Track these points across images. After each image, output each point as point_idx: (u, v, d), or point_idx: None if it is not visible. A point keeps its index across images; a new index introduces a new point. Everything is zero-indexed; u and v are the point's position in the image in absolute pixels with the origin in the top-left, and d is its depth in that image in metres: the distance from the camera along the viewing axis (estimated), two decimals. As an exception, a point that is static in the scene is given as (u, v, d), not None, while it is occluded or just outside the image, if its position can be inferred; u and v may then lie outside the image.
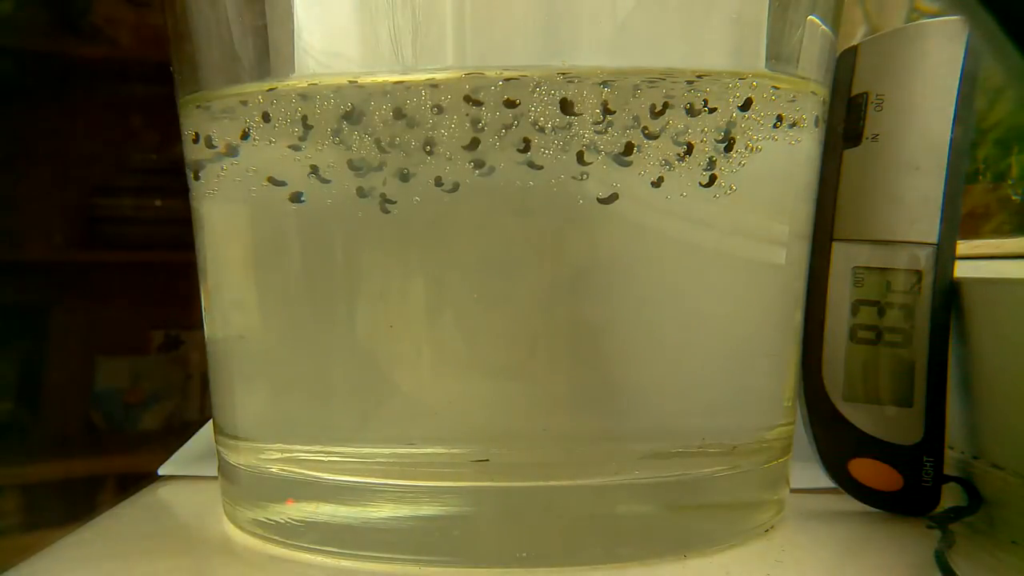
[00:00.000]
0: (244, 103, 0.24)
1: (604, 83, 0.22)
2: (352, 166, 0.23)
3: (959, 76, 0.27)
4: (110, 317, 1.10)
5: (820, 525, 0.27)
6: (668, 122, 0.23)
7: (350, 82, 0.23)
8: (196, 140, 0.26)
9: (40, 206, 1.07)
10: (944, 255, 0.27)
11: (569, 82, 0.22)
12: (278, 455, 0.25)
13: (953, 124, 0.27)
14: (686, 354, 0.25)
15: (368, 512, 0.24)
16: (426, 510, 0.24)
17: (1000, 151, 0.41)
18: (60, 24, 1.09)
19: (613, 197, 0.23)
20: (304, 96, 0.23)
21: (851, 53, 0.28)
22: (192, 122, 0.26)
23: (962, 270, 0.28)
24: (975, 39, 0.26)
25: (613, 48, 0.24)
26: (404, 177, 0.23)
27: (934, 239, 0.27)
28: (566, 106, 0.22)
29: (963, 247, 0.28)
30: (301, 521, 0.25)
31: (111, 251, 1.08)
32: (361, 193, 0.23)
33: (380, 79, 0.23)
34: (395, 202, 0.23)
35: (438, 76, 0.22)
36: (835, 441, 0.28)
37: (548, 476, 0.24)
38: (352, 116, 0.23)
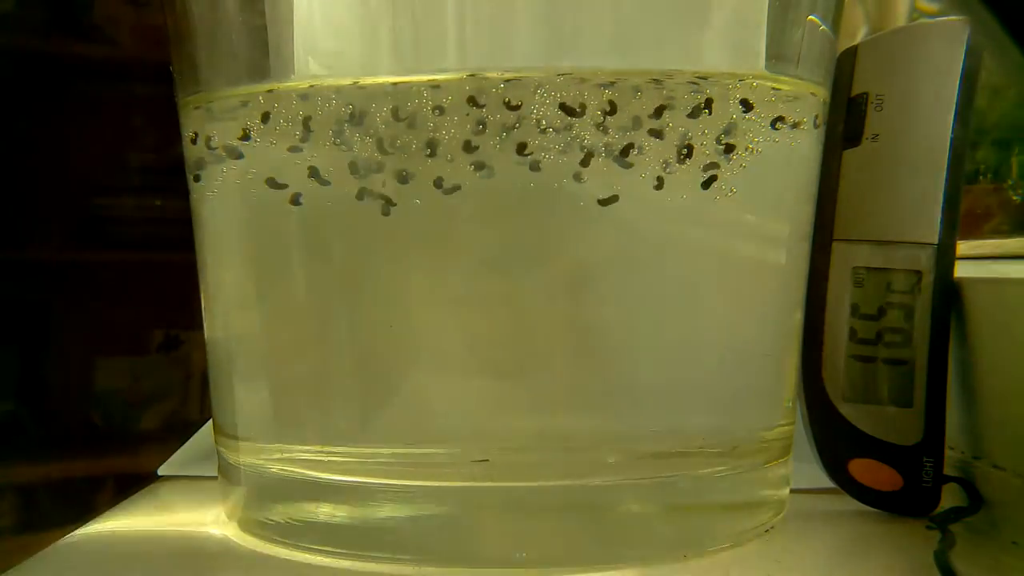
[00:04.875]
0: (244, 104, 0.24)
1: (605, 84, 0.22)
2: (352, 168, 0.23)
3: (959, 76, 0.27)
4: (110, 317, 1.10)
5: (820, 525, 0.27)
6: (668, 124, 0.23)
7: (351, 83, 0.23)
8: (196, 141, 0.26)
9: (40, 206, 1.07)
10: (944, 255, 0.27)
11: (570, 83, 0.22)
12: (278, 455, 0.25)
13: (953, 124, 0.27)
14: (686, 354, 0.25)
15: (368, 512, 0.24)
16: (426, 510, 0.24)
17: (1000, 151, 0.41)
18: (60, 24, 1.09)
19: (613, 199, 0.23)
20: (304, 97, 0.23)
21: (851, 53, 0.28)
22: (192, 123, 0.26)
23: (962, 270, 0.27)
24: (976, 39, 0.26)
25: (613, 49, 0.24)
26: (404, 179, 0.23)
27: (934, 239, 0.27)
28: (567, 108, 0.22)
29: (963, 247, 0.28)
30: (301, 521, 0.25)
31: (111, 251, 1.08)
32: (361, 195, 0.23)
33: (381, 80, 0.23)
34: (395, 204, 0.23)
35: (439, 77, 0.22)
36: (835, 441, 0.28)
37: (548, 476, 0.24)
38: (353, 117, 0.23)
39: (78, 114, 1.08)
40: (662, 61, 0.23)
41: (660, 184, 0.23)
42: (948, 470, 0.27)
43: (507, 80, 0.22)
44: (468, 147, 0.22)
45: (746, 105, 0.24)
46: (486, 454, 0.23)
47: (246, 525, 0.26)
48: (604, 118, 0.22)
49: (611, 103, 0.22)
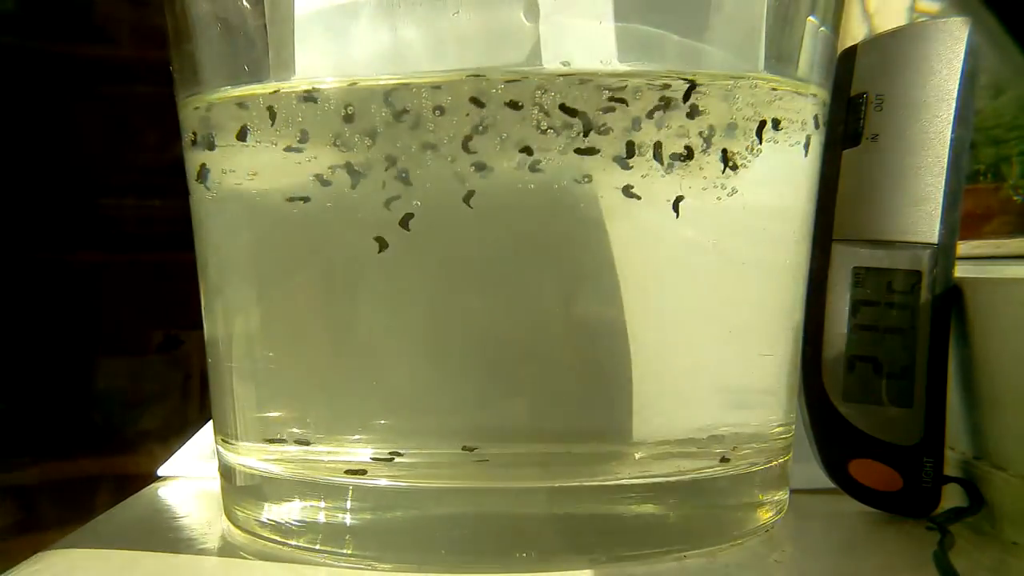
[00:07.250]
0: (244, 104, 0.24)
1: (605, 85, 0.22)
2: (352, 168, 0.23)
3: (959, 76, 0.27)
4: (110, 317, 1.10)
5: (820, 525, 0.27)
6: (668, 124, 0.23)
7: (351, 84, 0.23)
8: (196, 141, 0.26)
9: (40, 206, 1.07)
10: (944, 255, 0.27)
11: (570, 84, 0.22)
12: (278, 455, 0.25)
13: (953, 124, 0.27)
14: (686, 355, 0.25)
15: (368, 512, 0.24)
16: (426, 510, 0.24)
17: (1000, 151, 0.41)
18: (60, 24, 1.09)
19: (614, 199, 0.23)
20: (304, 98, 0.23)
21: (851, 53, 0.28)
22: (192, 123, 0.26)
23: (962, 270, 0.27)
24: (976, 39, 0.26)
25: (614, 50, 0.24)
26: (404, 179, 0.23)
27: (934, 239, 0.27)
28: (567, 108, 0.22)
29: (963, 247, 0.28)
30: (301, 521, 0.25)
31: (111, 251, 1.08)
32: (361, 195, 0.23)
33: (381, 81, 0.23)
34: (395, 204, 0.23)
35: (439, 78, 0.22)
36: (835, 441, 0.28)
37: (548, 476, 0.24)
38: (352, 118, 0.23)
39: (78, 114, 1.08)
40: (662, 62, 0.23)
41: (660, 185, 0.23)
42: (949, 470, 0.27)
43: (508, 81, 0.22)
44: (468, 148, 0.22)
45: (746, 106, 0.24)
46: (486, 454, 0.23)
47: (245, 525, 0.26)
48: (605, 119, 0.22)
49: (611, 104, 0.22)
